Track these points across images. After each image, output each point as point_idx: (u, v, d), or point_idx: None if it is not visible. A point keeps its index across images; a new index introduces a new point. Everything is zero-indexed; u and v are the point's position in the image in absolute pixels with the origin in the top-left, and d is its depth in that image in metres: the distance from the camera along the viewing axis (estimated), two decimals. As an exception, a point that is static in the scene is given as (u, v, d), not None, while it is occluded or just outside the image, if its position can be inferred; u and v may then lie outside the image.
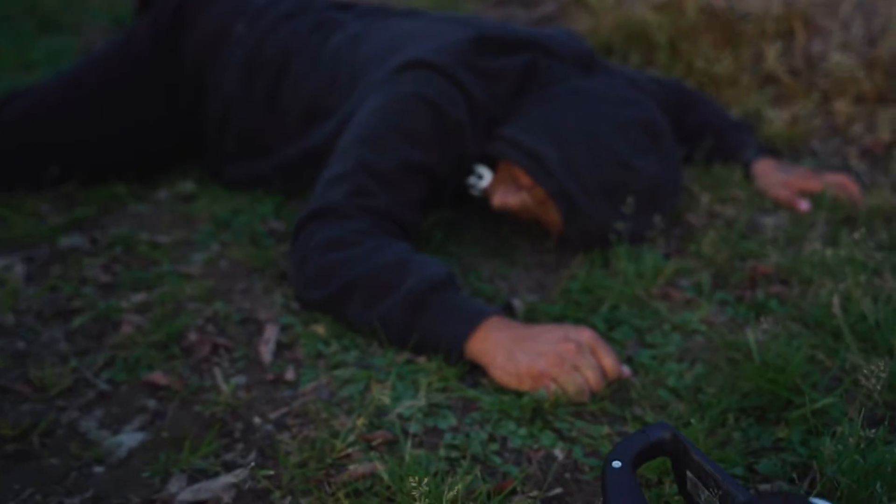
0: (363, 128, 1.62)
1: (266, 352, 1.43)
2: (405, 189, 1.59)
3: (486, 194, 1.73)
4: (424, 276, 1.40)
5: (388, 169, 1.57)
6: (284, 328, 1.48)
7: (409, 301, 1.39)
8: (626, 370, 1.35)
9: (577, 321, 1.50)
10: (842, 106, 2.20)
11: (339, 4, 2.10)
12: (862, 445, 1.10)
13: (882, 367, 1.23)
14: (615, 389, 1.33)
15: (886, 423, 1.20)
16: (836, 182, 1.91)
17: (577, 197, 1.60)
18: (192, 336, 1.45)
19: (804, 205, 1.87)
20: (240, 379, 1.36)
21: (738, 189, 1.91)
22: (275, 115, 1.90)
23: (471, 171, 1.73)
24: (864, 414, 1.25)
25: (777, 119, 2.15)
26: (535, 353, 1.31)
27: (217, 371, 1.38)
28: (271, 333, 1.46)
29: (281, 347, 1.44)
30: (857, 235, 1.52)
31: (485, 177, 1.72)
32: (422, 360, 1.38)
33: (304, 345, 1.43)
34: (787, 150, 2.16)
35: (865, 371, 1.23)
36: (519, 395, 1.30)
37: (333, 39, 1.90)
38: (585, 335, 1.33)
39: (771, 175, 1.95)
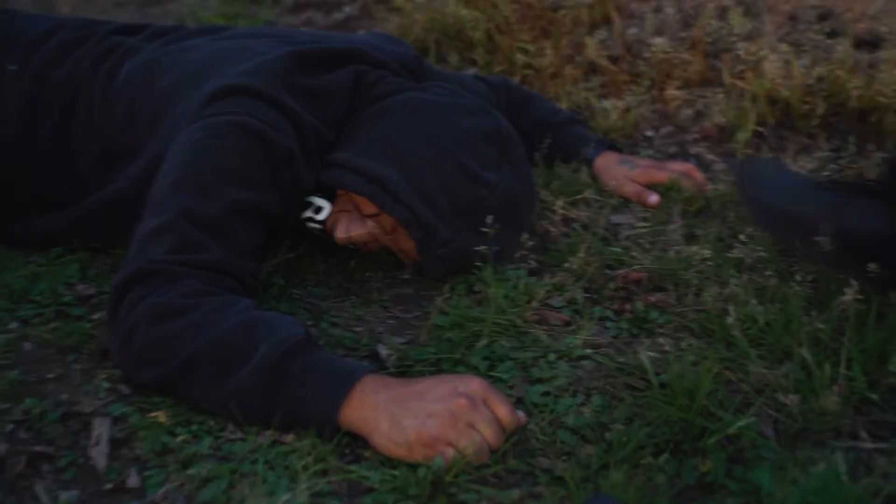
0: (179, 170, 1.39)
1: (99, 454, 1.18)
2: (237, 236, 1.37)
3: (326, 228, 1.54)
4: (278, 338, 1.20)
5: (214, 215, 1.35)
6: (117, 420, 1.24)
7: (264, 371, 1.18)
8: (522, 416, 1.21)
9: (455, 363, 1.34)
10: (670, 91, 2.16)
11: (126, 27, 1.84)
12: (798, 478, 1.01)
13: (786, 375, 1.15)
14: (515, 441, 1.19)
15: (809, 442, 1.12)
16: (681, 170, 1.85)
17: (432, 222, 1.44)
18: (1, 447, 1.18)
19: (653, 199, 1.80)
20: (71, 494, 1.12)
21: (588, 189, 1.81)
22: (66, 161, 1.62)
23: (307, 205, 1.53)
24: (781, 430, 1.17)
25: (612, 110, 2.07)
26: (424, 416, 1.14)
27: (40, 489, 1.13)
28: (102, 430, 1.22)
29: (117, 445, 1.20)
30: (742, 237, 1.45)
31: (323, 209, 1.53)
32: (290, 438, 1.18)
33: (145, 438, 1.20)
34: (624, 141, 2.09)
35: (774, 384, 1.15)
36: (412, 467, 1.12)
37: (125, 68, 1.65)
38: (475, 385, 1.17)
39: (614, 170, 1.87)
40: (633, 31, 2.39)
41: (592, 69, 2.31)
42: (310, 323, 1.46)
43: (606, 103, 2.10)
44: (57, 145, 1.62)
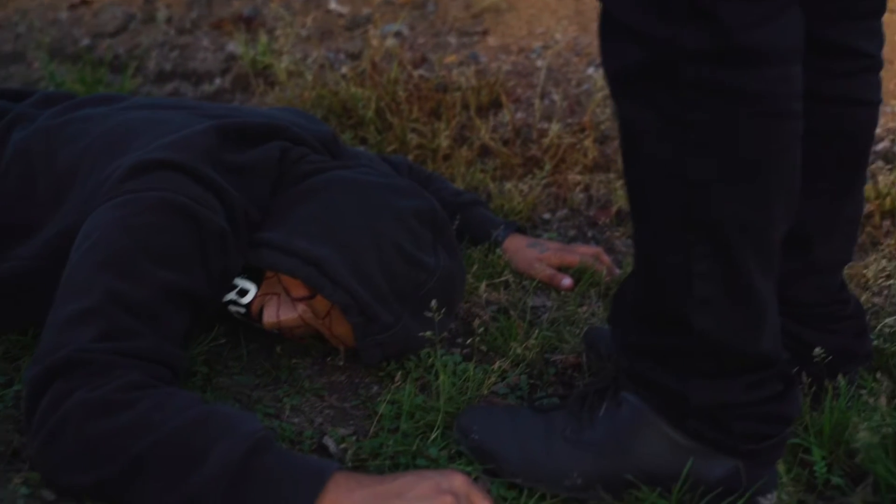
0: (103, 249, 1.26)
1: (29, 575, 1.03)
2: (169, 321, 1.26)
3: (252, 313, 1.44)
4: (236, 436, 1.10)
5: (145, 299, 1.23)
6: (44, 533, 1.08)
7: (225, 474, 1.07)
8: (499, 512, 1.15)
9: (413, 456, 1.27)
10: (571, 176, 2.19)
11: (10, 92, 1.69)
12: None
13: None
14: (497, 539, 1.12)
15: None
16: (590, 253, 1.87)
17: (372, 306, 1.38)
18: None
19: (566, 282, 1.80)
20: None
21: (506, 272, 1.79)
22: None
23: (230, 287, 1.43)
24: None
25: (515, 193, 2.08)
26: (409, 515, 1.06)
27: None
28: (28, 545, 1.06)
29: (49, 564, 1.05)
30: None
31: (249, 291, 1.43)
32: (256, 546, 1.07)
33: (82, 554, 1.05)
34: (523, 223, 2.09)
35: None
36: (400, 572, 1.04)
37: (14, 138, 1.50)
38: (458, 481, 1.10)
39: (525, 253, 1.86)
40: (520, 115, 2.43)
41: (485, 151, 2.32)
42: (244, 415, 1.34)
43: (509, 185, 2.11)
44: None
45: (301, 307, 1.42)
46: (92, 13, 3.25)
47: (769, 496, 1.16)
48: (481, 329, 1.59)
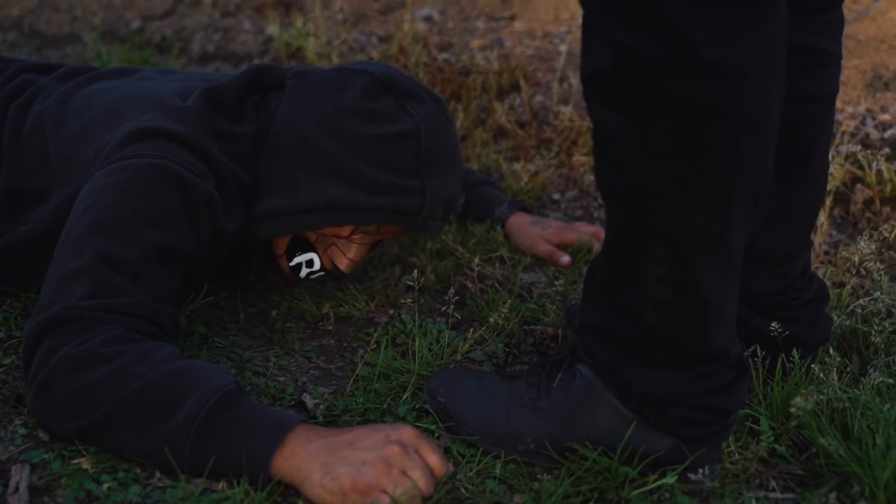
0: (96, 212, 1.36)
1: (18, 502, 1.14)
2: (157, 280, 1.35)
3: (328, 271, 1.57)
4: (209, 388, 1.19)
5: (133, 258, 1.33)
6: (36, 467, 1.20)
7: (194, 422, 1.17)
8: (450, 465, 1.23)
9: (383, 414, 1.36)
10: (577, 157, 2.25)
11: (39, 66, 1.81)
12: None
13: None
14: (446, 490, 1.21)
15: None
16: (591, 232, 1.93)
17: (398, 203, 1.48)
18: (-89, 495, 1.13)
19: (565, 259, 1.86)
20: (-12, 544, 1.08)
21: (503, 248, 1.87)
22: None
23: (297, 268, 1.55)
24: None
25: (523, 173, 2.14)
26: (358, 463, 1.15)
27: (-45, 538, 1.09)
28: (20, 477, 1.18)
29: (37, 494, 1.16)
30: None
31: (313, 258, 1.55)
32: (222, 486, 1.17)
33: (68, 486, 1.16)
34: (532, 203, 2.16)
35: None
36: (347, 514, 1.13)
37: (34, 109, 1.62)
38: (407, 433, 1.19)
39: (527, 230, 1.93)
40: (538, 98, 2.49)
41: (501, 133, 2.39)
42: (233, 372, 1.45)
43: (517, 166, 2.18)
44: None
45: (355, 239, 1.54)
46: (143, -4, 3.40)
47: (703, 470, 1.21)
48: (469, 300, 1.67)
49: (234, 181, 1.49)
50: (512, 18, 2.83)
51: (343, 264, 1.54)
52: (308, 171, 1.47)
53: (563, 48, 2.61)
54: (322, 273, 1.57)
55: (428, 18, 2.87)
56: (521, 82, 2.46)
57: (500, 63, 2.55)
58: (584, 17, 1.06)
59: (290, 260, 1.55)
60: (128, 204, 1.36)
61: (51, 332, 1.25)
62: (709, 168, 1.05)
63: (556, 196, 2.22)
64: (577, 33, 2.69)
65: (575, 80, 2.49)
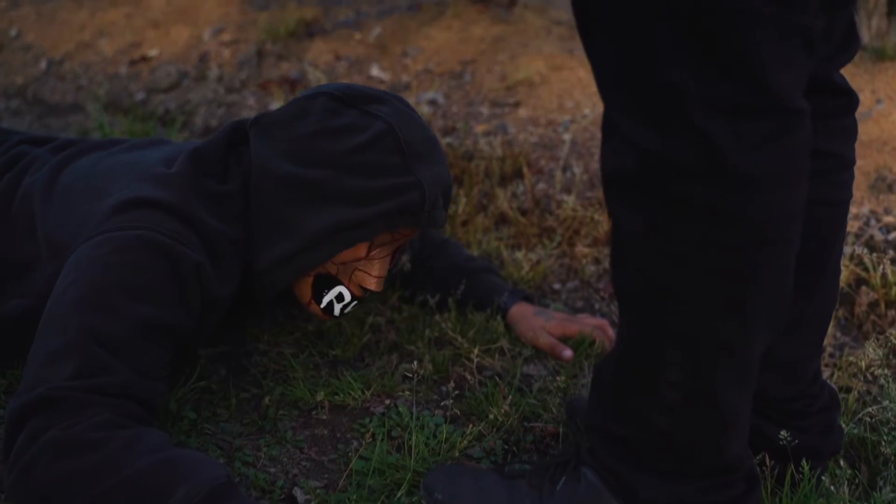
0: (81, 286, 1.31)
1: None
2: (146, 356, 1.31)
3: (359, 298, 1.53)
4: (199, 480, 1.15)
5: (120, 334, 1.28)
6: (11, 560, 1.14)
7: (185, 515, 1.12)
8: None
9: (376, 512, 1.30)
10: (579, 248, 2.23)
11: (37, 138, 1.79)
12: None
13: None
14: None
15: None
16: (594, 325, 1.90)
17: (393, 205, 1.44)
18: None
19: (567, 353, 1.82)
20: None
21: (503, 338, 1.83)
22: None
23: (329, 307, 1.51)
24: None
25: (524, 262, 2.12)
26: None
27: None
28: (-7, 570, 1.12)
29: (10, 589, 1.10)
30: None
31: (341, 290, 1.51)
32: (205, 587, 1.11)
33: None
34: (532, 292, 2.13)
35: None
36: None
37: (25, 181, 1.60)
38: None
39: (530, 321, 1.89)
40: (541, 186, 2.48)
41: (503, 220, 2.38)
42: (222, 461, 1.40)
43: (519, 254, 2.15)
44: None
45: (375, 254, 1.49)
46: (149, 69, 3.42)
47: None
48: (467, 393, 1.63)
49: (226, 242, 1.45)
50: (516, 105, 2.84)
51: (372, 284, 1.50)
52: (299, 206, 1.43)
53: (566, 136, 2.61)
54: (356, 302, 1.53)
55: (433, 102, 2.89)
56: (525, 169, 2.45)
57: (504, 149, 2.55)
58: (607, 114, 1.04)
59: (320, 302, 1.51)
60: (113, 278, 1.32)
61: (35, 413, 1.21)
62: (730, 275, 1.03)
63: (557, 286, 2.19)
64: (581, 122, 2.70)
65: (578, 168, 2.49)
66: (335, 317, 1.54)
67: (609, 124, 1.04)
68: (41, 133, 2.01)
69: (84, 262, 1.34)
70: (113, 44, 3.62)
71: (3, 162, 1.65)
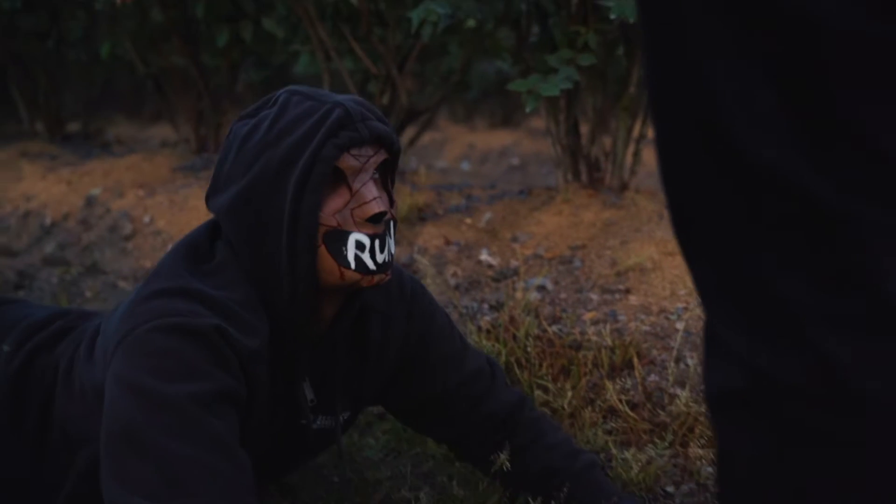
0: (129, 435, 1.32)
1: None
2: (218, 435, 1.33)
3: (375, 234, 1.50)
4: None
5: (187, 453, 1.30)
6: None
7: None
8: None
9: None
10: (693, 449, 2.09)
11: (89, 312, 1.85)
12: None
13: None
14: None
15: None
16: (706, 538, 1.74)
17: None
18: None
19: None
20: None
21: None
22: (43, 453, 1.56)
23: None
24: None
25: (633, 462, 1.99)
26: None
27: None
28: None
29: None
30: None
31: (358, 239, 1.47)
32: None
33: None
34: (643, 495, 1.99)
35: None
36: None
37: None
38: None
39: (639, 531, 1.76)
40: (653, 378, 2.36)
41: (612, 413, 2.26)
42: None
43: (628, 454, 2.03)
44: (37, 437, 1.57)
45: (356, 187, 1.47)
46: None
47: None
48: None
49: (232, 304, 1.44)
50: (627, 292, 2.76)
51: (375, 206, 1.46)
52: (256, 209, 1.45)
53: (679, 325, 2.50)
54: (381, 243, 1.48)
55: (541, 288, 2.84)
56: (635, 360, 2.34)
57: (613, 338, 2.45)
58: (710, 326, 0.96)
59: (347, 264, 1.46)
60: (150, 403, 1.32)
61: None
62: (842, 500, 0.91)
63: (671, 488, 2.04)
64: (695, 310, 2.59)
65: (692, 360, 2.36)
66: (373, 272, 1.47)
67: (712, 338, 0.96)
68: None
69: (114, 406, 1.35)
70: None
71: (76, 338, 1.68)
